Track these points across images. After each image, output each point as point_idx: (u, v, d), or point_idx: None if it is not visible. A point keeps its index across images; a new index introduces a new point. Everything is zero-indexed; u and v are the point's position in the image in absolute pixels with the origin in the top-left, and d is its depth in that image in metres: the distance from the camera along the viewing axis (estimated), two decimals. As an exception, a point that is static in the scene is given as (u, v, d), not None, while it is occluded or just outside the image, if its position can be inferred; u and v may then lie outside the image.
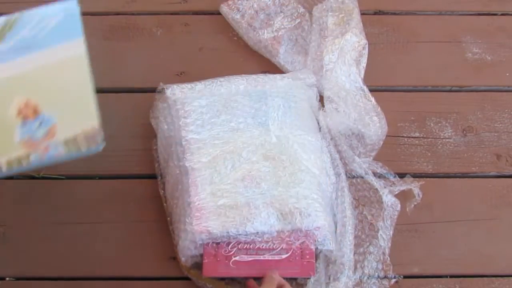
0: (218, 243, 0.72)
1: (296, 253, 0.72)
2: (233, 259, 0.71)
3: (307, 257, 0.72)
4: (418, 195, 0.81)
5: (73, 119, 0.69)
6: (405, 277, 0.79)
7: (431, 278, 0.79)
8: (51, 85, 0.70)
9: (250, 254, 0.72)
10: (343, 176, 0.81)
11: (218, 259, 0.71)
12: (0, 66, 0.70)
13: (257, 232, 0.71)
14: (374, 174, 0.83)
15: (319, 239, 0.73)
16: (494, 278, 0.79)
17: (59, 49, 0.71)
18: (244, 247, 0.72)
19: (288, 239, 0.72)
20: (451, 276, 0.79)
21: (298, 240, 0.72)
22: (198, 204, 0.72)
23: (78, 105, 0.70)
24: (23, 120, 0.68)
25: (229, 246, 0.72)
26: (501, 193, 0.84)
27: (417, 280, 0.79)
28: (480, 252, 0.80)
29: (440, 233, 0.81)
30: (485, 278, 0.79)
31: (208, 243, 0.71)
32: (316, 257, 0.74)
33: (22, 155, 0.68)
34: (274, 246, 0.72)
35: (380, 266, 0.78)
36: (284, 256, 0.72)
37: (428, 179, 0.85)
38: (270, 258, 0.71)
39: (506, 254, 0.80)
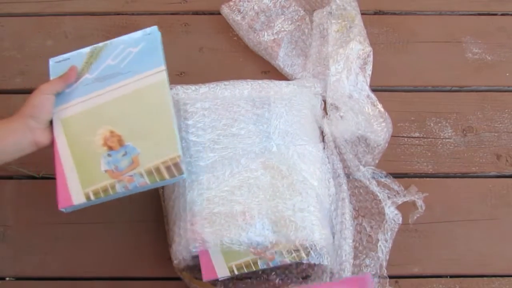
0: None
1: None
2: None
3: None
4: (421, 207, 0.81)
5: (155, 149, 0.69)
6: (405, 277, 0.79)
7: (431, 278, 0.79)
8: (134, 115, 0.71)
9: None
10: (345, 187, 0.81)
11: None
12: (85, 97, 0.73)
13: (251, 242, 0.70)
14: (378, 183, 0.83)
15: (313, 254, 0.71)
16: (494, 278, 0.79)
17: (141, 77, 0.73)
18: None
19: None
20: (451, 276, 0.79)
21: None
22: (194, 209, 0.72)
23: (160, 135, 0.70)
24: (108, 150, 0.70)
25: None
26: (501, 193, 0.84)
27: (417, 280, 0.79)
28: (480, 252, 0.80)
29: (440, 233, 0.81)
30: (485, 278, 0.79)
31: None
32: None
33: (108, 185, 0.68)
34: None
35: (376, 280, 0.77)
36: None
37: (428, 179, 0.85)
38: None
39: (506, 254, 0.80)
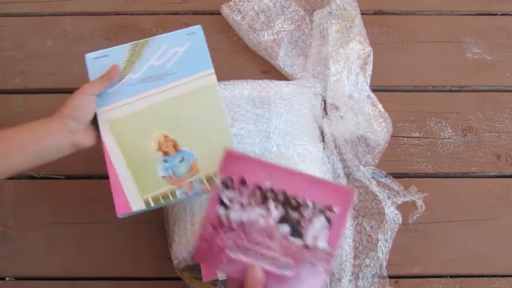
0: (216, 230, 0.62)
1: (303, 275, 0.60)
2: (227, 254, 0.62)
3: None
4: (421, 207, 0.81)
5: (214, 154, 0.66)
6: (405, 277, 0.79)
7: (431, 278, 0.79)
8: (186, 119, 0.69)
9: (248, 256, 0.62)
10: None
11: (211, 247, 0.62)
12: (132, 98, 0.70)
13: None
14: (378, 183, 0.83)
15: None
16: (494, 278, 0.79)
17: (189, 80, 0.71)
18: (244, 245, 0.61)
19: (299, 254, 0.60)
20: (451, 276, 0.79)
21: (312, 261, 0.60)
22: (194, 209, 0.72)
23: (217, 140, 0.68)
24: (163, 156, 0.68)
25: (228, 238, 0.62)
26: (501, 193, 0.84)
27: (417, 280, 0.79)
28: (480, 252, 0.80)
29: (440, 233, 0.81)
30: (485, 278, 0.79)
31: (206, 226, 0.62)
32: None
33: (168, 191, 0.67)
34: (279, 258, 0.61)
35: (376, 280, 0.77)
36: (287, 273, 0.60)
37: (428, 179, 0.85)
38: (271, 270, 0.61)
39: (506, 254, 0.80)
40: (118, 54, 0.72)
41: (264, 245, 0.61)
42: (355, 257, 0.78)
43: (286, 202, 0.61)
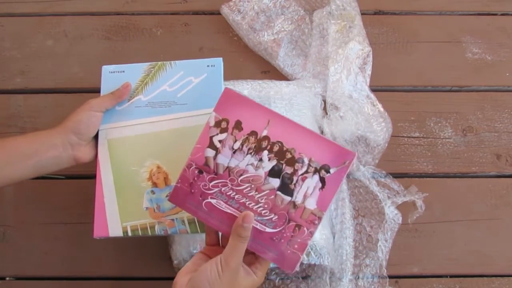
0: (201, 173, 0.59)
1: (285, 234, 0.57)
2: (208, 200, 0.59)
3: (296, 246, 0.56)
4: (421, 207, 0.81)
5: None
6: (405, 277, 0.79)
7: (431, 278, 0.79)
8: (182, 154, 0.64)
9: (230, 206, 0.58)
10: (345, 187, 0.81)
11: (192, 190, 0.59)
12: (136, 121, 0.70)
13: None
14: (378, 183, 0.83)
15: (313, 254, 0.71)
16: (494, 278, 0.79)
17: (195, 114, 0.69)
18: (228, 193, 0.58)
19: (285, 212, 0.57)
20: (451, 276, 0.79)
21: (297, 220, 0.57)
22: None
23: None
24: (152, 187, 0.67)
25: (212, 183, 0.59)
26: (501, 193, 0.84)
27: (417, 280, 0.79)
28: (480, 252, 0.80)
29: (440, 233, 0.81)
30: (485, 278, 0.79)
31: (191, 167, 0.59)
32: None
33: (147, 224, 0.66)
34: (263, 212, 0.57)
35: (376, 279, 0.77)
36: (268, 230, 0.57)
37: (428, 179, 0.85)
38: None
39: (506, 254, 0.80)
40: (134, 72, 0.72)
41: (250, 197, 0.58)
42: (355, 256, 0.78)
43: (281, 155, 0.58)
